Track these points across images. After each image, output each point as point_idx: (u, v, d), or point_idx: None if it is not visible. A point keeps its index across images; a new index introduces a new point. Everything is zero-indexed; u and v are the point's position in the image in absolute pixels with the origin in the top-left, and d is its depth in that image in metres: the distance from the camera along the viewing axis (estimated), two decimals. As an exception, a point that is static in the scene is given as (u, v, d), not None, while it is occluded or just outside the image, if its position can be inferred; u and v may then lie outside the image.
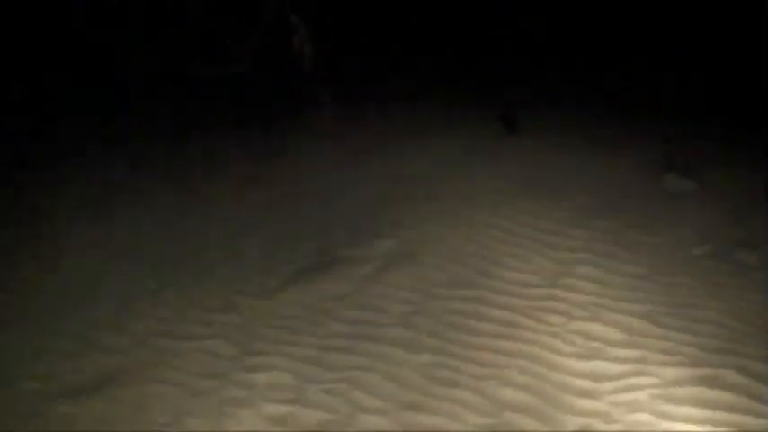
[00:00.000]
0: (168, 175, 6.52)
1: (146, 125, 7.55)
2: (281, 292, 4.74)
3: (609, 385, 3.89)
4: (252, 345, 4.29)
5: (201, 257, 5.19)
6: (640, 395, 3.81)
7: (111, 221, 5.71)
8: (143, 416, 3.82)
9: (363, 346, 4.23)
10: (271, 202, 5.95)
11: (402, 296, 4.63)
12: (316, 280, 4.81)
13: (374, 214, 5.59)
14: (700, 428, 3.60)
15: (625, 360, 4.04)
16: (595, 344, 4.16)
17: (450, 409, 3.78)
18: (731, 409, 3.70)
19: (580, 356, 4.07)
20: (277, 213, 5.74)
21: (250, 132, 7.08)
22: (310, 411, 3.81)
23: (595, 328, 4.28)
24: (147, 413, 3.83)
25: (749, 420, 3.63)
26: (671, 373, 3.94)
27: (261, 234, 5.46)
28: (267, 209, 5.83)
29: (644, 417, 3.70)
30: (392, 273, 4.84)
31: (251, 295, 4.73)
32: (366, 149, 6.80)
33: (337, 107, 7.29)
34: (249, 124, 7.15)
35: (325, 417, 3.78)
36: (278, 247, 5.25)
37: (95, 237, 5.48)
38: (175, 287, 4.85)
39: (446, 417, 3.74)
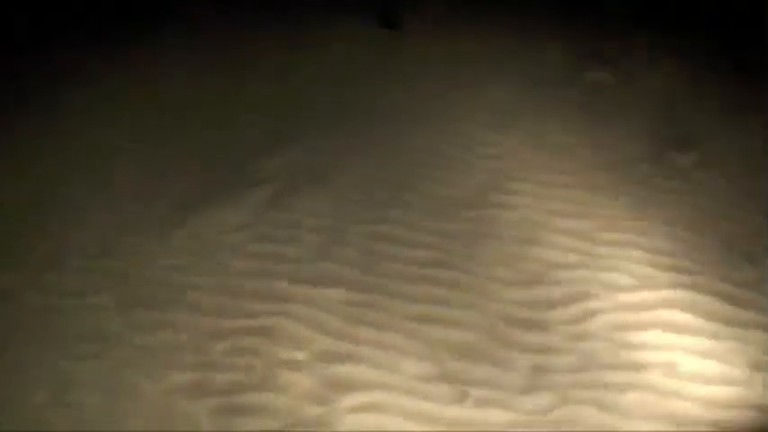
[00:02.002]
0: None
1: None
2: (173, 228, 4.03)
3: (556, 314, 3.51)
4: (142, 295, 3.59)
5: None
6: (592, 325, 3.46)
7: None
8: (15, 392, 3.14)
9: (274, 287, 3.61)
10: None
11: (314, 223, 4.03)
12: (209, 207, 4.12)
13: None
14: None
15: (571, 283, 3.66)
16: (536, 267, 3.75)
17: (382, 357, 3.31)
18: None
19: (521, 284, 3.65)
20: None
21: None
22: (219, 375, 3.22)
23: (534, 250, 3.85)
24: (19, 388, 3.16)
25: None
26: (623, 298, 3.59)
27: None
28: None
29: (599, 345, 3.36)
30: (300, 196, 4.21)
31: (138, 233, 3.98)
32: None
33: None
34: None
35: (236, 378, 3.20)
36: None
37: None
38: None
39: (378, 367, 3.25)
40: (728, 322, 3.45)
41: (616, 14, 5.85)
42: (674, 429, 3.02)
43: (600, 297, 3.57)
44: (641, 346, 3.33)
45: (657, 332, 3.39)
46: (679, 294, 3.58)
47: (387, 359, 3.27)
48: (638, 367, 3.24)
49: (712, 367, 3.24)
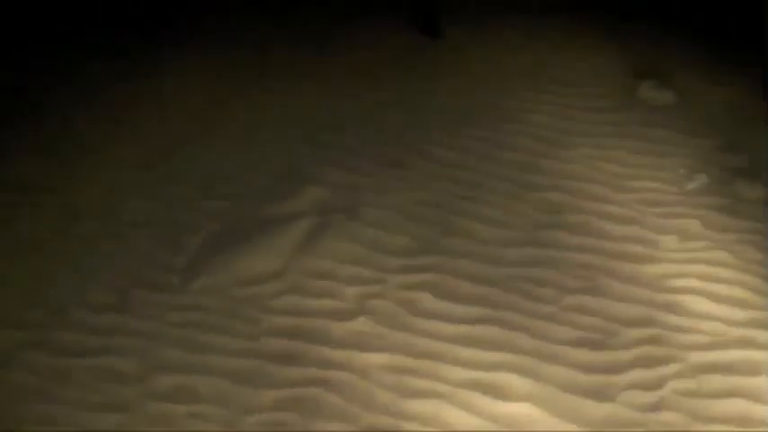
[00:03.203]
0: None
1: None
2: (189, 277, 3.63)
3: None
4: (160, 358, 3.22)
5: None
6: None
7: None
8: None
9: (311, 351, 3.23)
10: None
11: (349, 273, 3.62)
12: (235, 255, 3.71)
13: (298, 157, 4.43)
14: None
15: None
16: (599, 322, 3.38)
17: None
18: None
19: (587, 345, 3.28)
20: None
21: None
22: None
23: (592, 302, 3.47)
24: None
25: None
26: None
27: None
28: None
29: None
30: (330, 237, 3.80)
31: (151, 285, 3.59)
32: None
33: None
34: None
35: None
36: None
37: None
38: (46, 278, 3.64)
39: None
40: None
41: (673, 25, 5.39)
42: None
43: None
44: None
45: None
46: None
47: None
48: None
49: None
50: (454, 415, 2.96)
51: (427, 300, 3.44)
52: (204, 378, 3.11)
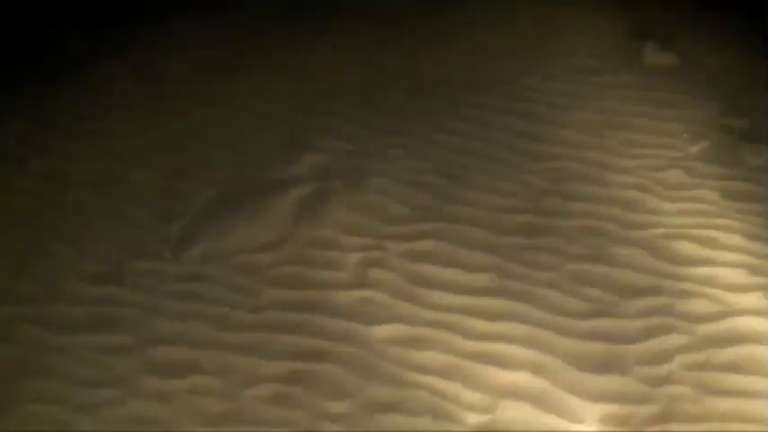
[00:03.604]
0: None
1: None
2: (185, 246, 3.54)
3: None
4: (157, 331, 3.14)
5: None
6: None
7: None
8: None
9: (315, 322, 3.15)
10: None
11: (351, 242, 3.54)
12: (232, 223, 3.63)
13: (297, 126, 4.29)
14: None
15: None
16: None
17: (438, 404, 2.89)
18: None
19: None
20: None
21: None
22: (254, 429, 2.78)
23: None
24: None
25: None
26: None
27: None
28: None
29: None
30: (330, 205, 3.71)
31: (146, 255, 3.50)
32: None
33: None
34: None
35: (272, 435, 2.78)
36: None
37: None
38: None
39: (436, 417, 2.83)
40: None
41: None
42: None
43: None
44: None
45: None
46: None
47: (444, 408, 2.85)
48: None
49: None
50: (458, 387, 2.91)
51: (431, 269, 3.36)
52: (203, 352, 3.03)
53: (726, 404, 2.84)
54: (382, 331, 3.10)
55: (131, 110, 4.41)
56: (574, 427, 2.77)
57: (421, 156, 4.00)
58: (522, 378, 2.93)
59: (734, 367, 2.95)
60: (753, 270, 3.34)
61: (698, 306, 3.21)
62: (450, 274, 3.34)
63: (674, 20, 4.95)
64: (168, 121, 4.31)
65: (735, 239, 3.49)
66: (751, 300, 3.21)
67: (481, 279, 3.32)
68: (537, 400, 2.86)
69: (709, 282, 3.31)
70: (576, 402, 2.85)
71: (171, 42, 5.02)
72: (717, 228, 3.54)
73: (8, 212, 3.76)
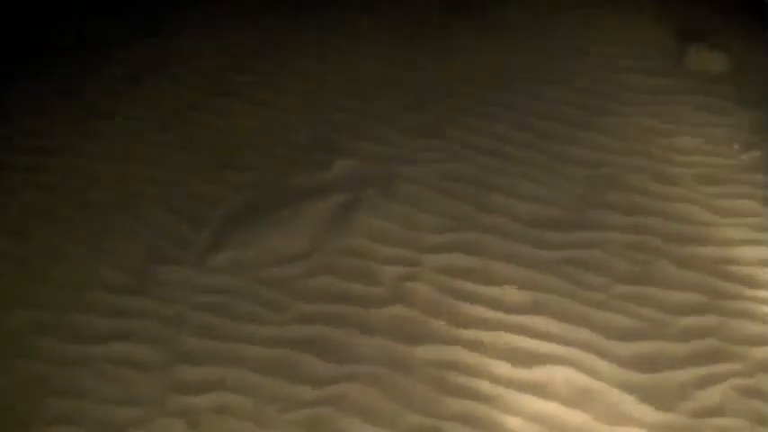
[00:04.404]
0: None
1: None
2: (211, 254, 3.39)
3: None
4: (182, 347, 2.99)
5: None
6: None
7: None
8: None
9: (345, 341, 2.99)
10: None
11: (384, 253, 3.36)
12: (260, 231, 3.46)
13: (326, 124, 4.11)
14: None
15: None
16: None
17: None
18: None
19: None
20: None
21: None
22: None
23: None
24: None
25: None
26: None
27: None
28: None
29: None
30: (361, 213, 3.53)
31: (170, 263, 3.35)
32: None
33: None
34: None
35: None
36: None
37: None
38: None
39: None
40: None
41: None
42: None
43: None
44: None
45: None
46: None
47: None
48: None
49: None
50: (497, 414, 2.76)
51: (468, 284, 3.19)
52: (230, 370, 2.89)
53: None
54: (418, 352, 2.95)
55: (156, 107, 4.24)
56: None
57: (453, 159, 3.83)
58: (562, 408, 2.77)
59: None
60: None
61: (750, 328, 3.04)
62: (488, 290, 3.17)
63: (721, 21, 4.72)
64: (194, 119, 4.15)
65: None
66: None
67: (521, 296, 3.15)
68: (579, 432, 2.71)
69: (763, 302, 3.13)
70: (620, 434, 2.70)
71: (193, 36, 4.85)
72: (769, 245, 3.36)
73: (28, 212, 3.62)
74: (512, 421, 2.73)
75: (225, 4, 5.12)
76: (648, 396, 2.81)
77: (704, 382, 2.86)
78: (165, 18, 4.99)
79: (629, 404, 2.79)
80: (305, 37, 4.79)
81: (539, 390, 2.83)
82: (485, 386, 2.84)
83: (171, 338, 3.01)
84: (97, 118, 4.17)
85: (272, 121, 4.12)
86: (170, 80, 4.43)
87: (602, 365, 2.90)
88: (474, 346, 2.96)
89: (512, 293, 3.16)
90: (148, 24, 4.92)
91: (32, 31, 4.89)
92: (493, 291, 3.17)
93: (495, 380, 2.86)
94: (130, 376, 2.88)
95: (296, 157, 3.85)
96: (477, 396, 2.81)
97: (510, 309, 3.11)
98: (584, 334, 3.00)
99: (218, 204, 3.60)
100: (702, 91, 4.20)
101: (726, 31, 4.63)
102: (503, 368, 2.89)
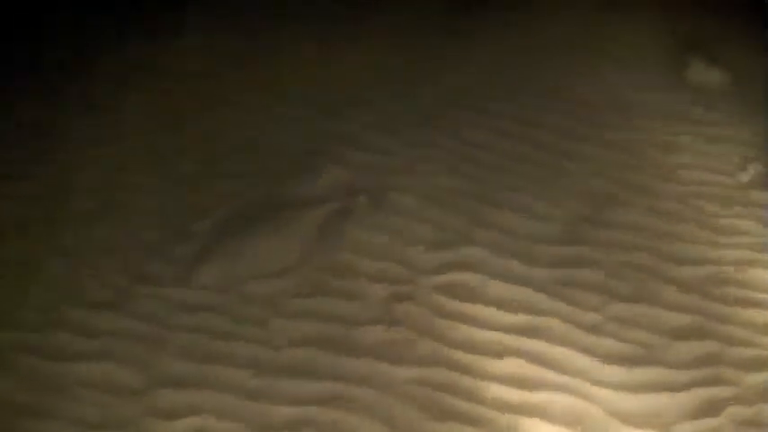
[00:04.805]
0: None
1: None
2: (196, 268, 3.26)
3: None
4: (163, 368, 2.88)
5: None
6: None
7: None
8: None
9: (331, 361, 2.88)
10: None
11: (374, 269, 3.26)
12: (248, 243, 3.34)
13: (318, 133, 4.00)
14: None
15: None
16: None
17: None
18: None
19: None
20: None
21: None
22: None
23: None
24: None
25: None
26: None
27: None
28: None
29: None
30: (352, 226, 3.43)
31: (153, 280, 3.22)
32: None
33: None
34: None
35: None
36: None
37: None
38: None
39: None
40: None
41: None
42: None
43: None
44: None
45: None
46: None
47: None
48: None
49: None
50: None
51: (461, 304, 3.09)
52: (212, 394, 2.76)
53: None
54: (408, 374, 2.84)
55: (141, 112, 4.13)
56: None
57: (449, 171, 3.73)
58: (559, 435, 2.68)
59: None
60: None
61: (746, 353, 2.96)
62: (482, 310, 3.06)
63: (721, 34, 4.64)
64: (180, 124, 4.04)
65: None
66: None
67: (515, 317, 3.06)
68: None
69: (761, 326, 3.04)
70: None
71: (182, 37, 4.74)
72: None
73: (7, 223, 3.50)
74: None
75: (214, 6, 5.01)
76: (645, 424, 2.71)
77: (700, 410, 2.77)
78: (153, 21, 4.87)
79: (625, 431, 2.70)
80: (299, 43, 4.68)
81: (534, 414, 2.73)
82: (477, 411, 2.74)
83: (151, 361, 2.88)
84: (83, 124, 4.06)
85: (261, 129, 4.02)
86: (156, 86, 4.32)
87: (598, 391, 2.80)
88: (465, 369, 2.86)
89: (505, 314, 3.07)
90: (136, 27, 4.81)
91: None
92: (486, 311, 3.07)
93: (489, 403, 2.75)
94: (107, 399, 2.76)
95: (286, 166, 3.73)
96: (470, 421, 2.71)
97: (503, 329, 3.01)
98: (579, 359, 2.91)
99: (205, 215, 3.48)
100: (701, 104, 4.12)
101: (725, 40, 4.55)
102: (497, 391, 2.79)
